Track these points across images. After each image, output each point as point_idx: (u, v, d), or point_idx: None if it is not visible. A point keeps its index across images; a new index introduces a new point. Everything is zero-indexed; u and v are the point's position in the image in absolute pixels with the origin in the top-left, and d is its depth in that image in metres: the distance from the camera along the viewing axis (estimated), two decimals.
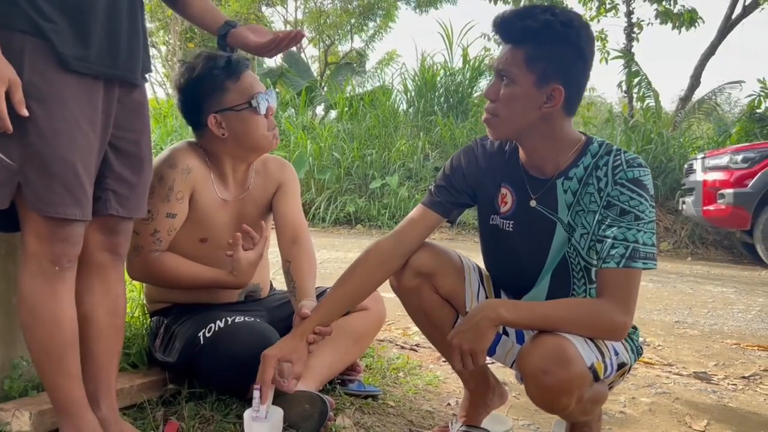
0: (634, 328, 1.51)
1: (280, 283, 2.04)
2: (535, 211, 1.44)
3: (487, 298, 1.56)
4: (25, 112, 1.16)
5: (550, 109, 1.33)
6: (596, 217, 1.36)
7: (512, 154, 1.48)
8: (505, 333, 1.55)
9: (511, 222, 1.48)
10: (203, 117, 1.73)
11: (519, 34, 1.30)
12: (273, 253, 1.89)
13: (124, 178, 1.39)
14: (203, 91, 1.71)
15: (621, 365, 1.42)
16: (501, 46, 1.37)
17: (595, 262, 1.40)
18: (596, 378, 1.29)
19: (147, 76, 1.45)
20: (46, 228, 1.23)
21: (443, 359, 2.47)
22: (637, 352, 1.51)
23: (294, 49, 16.67)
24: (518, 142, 1.44)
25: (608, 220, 1.32)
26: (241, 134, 1.74)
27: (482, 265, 1.62)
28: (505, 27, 1.33)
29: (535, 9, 1.30)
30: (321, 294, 1.79)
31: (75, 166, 1.23)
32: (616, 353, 1.39)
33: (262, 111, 1.73)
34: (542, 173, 1.43)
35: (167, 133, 10.86)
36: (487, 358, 1.62)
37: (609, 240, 1.30)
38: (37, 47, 1.19)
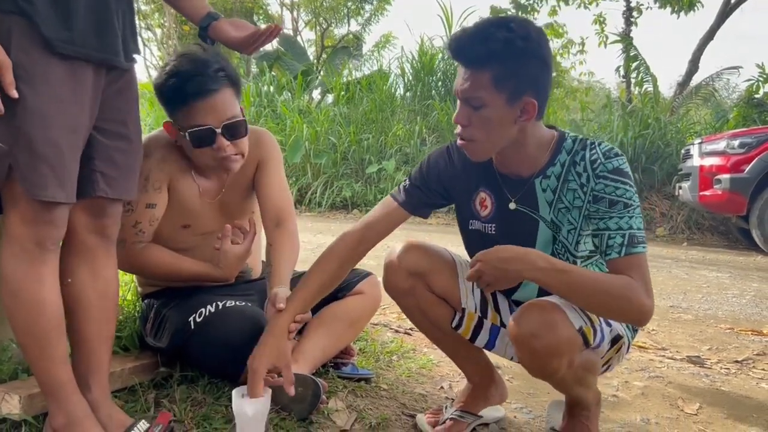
0: None
1: None
2: (517, 213, 1.44)
3: (482, 293, 1.56)
4: (15, 94, 1.14)
5: (525, 121, 1.32)
6: (582, 212, 1.37)
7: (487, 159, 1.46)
8: (503, 325, 1.55)
9: (493, 225, 1.48)
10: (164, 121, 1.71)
11: (481, 57, 1.26)
12: (263, 235, 1.88)
13: (111, 159, 1.37)
14: (161, 99, 1.64)
15: (616, 338, 1.43)
16: (460, 69, 1.32)
17: (581, 255, 1.42)
18: (586, 342, 1.32)
19: (136, 57, 1.42)
20: (30, 210, 1.22)
21: None
22: (633, 328, 1.52)
23: (290, 32, 16.58)
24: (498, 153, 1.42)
25: (600, 213, 1.33)
26: (186, 150, 1.69)
27: None
28: (463, 52, 1.29)
29: (490, 28, 1.26)
30: (299, 277, 1.76)
31: (61, 148, 1.21)
32: (608, 324, 1.41)
33: (197, 144, 1.61)
34: (519, 175, 1.43)
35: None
36: (486, 351, 1.63)
37: (606, 232, 1.31)
38: (23, 28, 1.17)
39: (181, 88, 1.57)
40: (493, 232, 1.48)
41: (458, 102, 1.34)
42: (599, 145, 1.37)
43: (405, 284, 1.53)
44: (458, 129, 1.36)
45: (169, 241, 1.74)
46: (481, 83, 1.27)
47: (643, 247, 1.29)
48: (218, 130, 1.60)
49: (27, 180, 1.19)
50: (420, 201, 1.52)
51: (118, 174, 1.38)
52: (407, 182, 1.55)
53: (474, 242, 1.54)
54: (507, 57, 1.25)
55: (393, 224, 1.53)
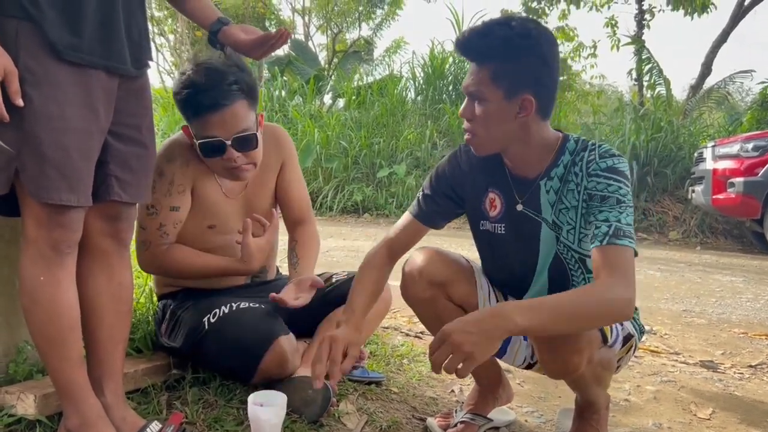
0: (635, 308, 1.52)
1: (286, 269, 2.04)
2: (522, 214, 1.46)
3: (497, 299, 1.57)
4: (20, 103, 1.16)
5: (525, 117, 1.34)
6: (579, 211, 1.38)
7: (496, 159, 1.47)
8: None
9: (503, 225, 1.49)
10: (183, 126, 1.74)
11: (481, 53, 1.32)
12: (280, 239, 1.90)
13: (126, 164, 1.38)
14: (178, 105, 1.68)
15: (627, 337, 1.46)
16: (469, 66, 1.38)
17: (588, 252, 1.40)
18: (604, 338, 1.35)
19: (149, 63, 1.44)
20: (44, 214, 1.23)
21: None
22: (640, 330, 1.54)
23: (302, 37, 16.66)
24: (501, 151, 1.44)
25: (591, 209, 1.34)
26: (200, 155, 1.70)
27: None
28: (467, 48, 1.34)
29: (493, 26, 1.31)
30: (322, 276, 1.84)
31: (69, 152, 1.22)
32: (620, 323, 1.44)
33: (207, 155, 1.66)
34: (526, 176, 1.44)
35: (175, 122, 10.87)
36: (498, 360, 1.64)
37: (594, 223, 1.32)
38: (32, 33, 1.19)
39: (194, 99, 1.59)
40: (503, 232, 1.49)
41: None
42: (599, 146, 1.38)
43: (425, 294, 1.54)
44: (465, 123, 1.40)
45: (195, 242, 1.75)
46: (481, 78, 1.32)
47: (630, 242, 1.26)
48: (228, 142, 1.62)
49: (35, 183, 1.21)
50: (433, 211, 1.54)
51: (132, 178, 1.40)
52: (420, 194, 1.57)
53: (485, 243, 1.56)
54: (505, 54, 1.29)
55: (415, 239, 1.57)
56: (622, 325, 1.44)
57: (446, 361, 1.12)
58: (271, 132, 1.85)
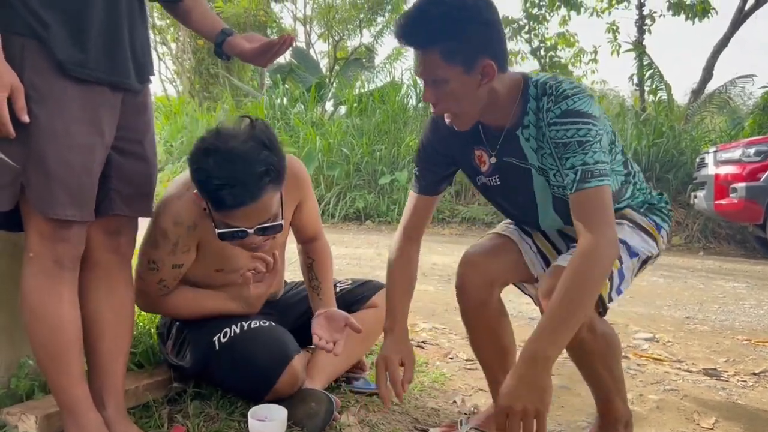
0: (660, 194, 1.62)
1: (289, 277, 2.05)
2: (509, 164, 1.48)
3: (539, 249, 1.63)
4: (26, 119, 1.17)
5: (489, 82, 1.34)
6: (554, 155, 1.39)
7: None
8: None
9: (496, 176, 1.52)
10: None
11: (426, 39, 1.29)
12: (290, 250, 1.91)
13: (128, 178, 1.40)
14: (195, 183, 1.42)
15: (645, 260, 1.55)
16: (413, 53, 1.35)
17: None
18: (601, 301, 1.38)
19: (151, 78, 1.45)
20: (48, 229, 1.24)
21: (450, 356, 2.47)
22: (660, 223, 1.60)
23: (303, 45, 16.70)
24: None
25: (560, 158, 1.35)
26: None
27: None
28: (409, 37, 1.31)
29: (427, 7, 1.29)
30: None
31: (74, 168, 1.23)
32: (634, 255, 1.49)
33: (225, 240, 1.48)
34: (502, 128, 1.45)
35: (177, 130, 10.91)
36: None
37: (564, 173, 1.34)
38: (38, 50, 1.20)
39: (215, 194, 1.36)
40: (498, 183, 1.53)
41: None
42: (556, 89, 1.35)
43: (481, 295, 1.59)
44: (432, 108, 1.40)
45: (200, 283, 1.72)
46: (433, 62, 1.30)
47: (599, 180, 1.28)
48: (250, 231, 1.45)
49: (40, 199, 1.22)
50: (432, 181, 1.59)
51: (134, 192, 1.41)
52: (415, 170, 1.62)
53: (486, 194, 1.63)
54: (449, 32, 1.27)
55: (428, 213, 1.63)
56: (636, 255, 1.50)
57: (522, 429, 1.16)
58: (289, 168, 1.57)
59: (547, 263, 1.62)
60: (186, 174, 1.53)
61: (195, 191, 1.46)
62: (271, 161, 1.38)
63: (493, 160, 1.48)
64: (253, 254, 1.64)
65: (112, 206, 1.37)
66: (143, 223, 1.55)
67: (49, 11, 1.21)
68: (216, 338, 1.62)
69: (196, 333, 1.68)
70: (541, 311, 1.43)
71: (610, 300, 1.43)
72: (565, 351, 1.36)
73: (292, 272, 1.96)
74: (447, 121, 1.42)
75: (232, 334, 1.62)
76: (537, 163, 1.44)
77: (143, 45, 1.39)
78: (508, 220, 1.72)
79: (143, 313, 1.97)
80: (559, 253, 1.62)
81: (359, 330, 1.73)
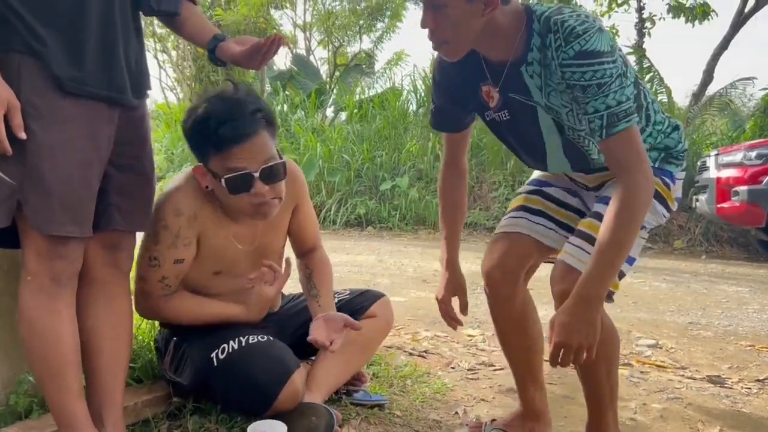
0: (677, 126, 1.60)
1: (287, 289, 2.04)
2: (515, 100, 1.47)
3: (556, 221, 1.66)
4: (23, 136, 1.16)
5: (492, 11, 1.33)
6: (568, 94, 1.38)
7: (474, 56, 1.47)
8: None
9: (505, 111, 1.52)
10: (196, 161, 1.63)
11: None
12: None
13: (126, 193, 1.39)
14: (192, 143, 1.56)
15: (653, 229, 1.63)
16: None
17: (577, 123, 1.44)
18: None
19: (147, 92, 1.45)
20: (45, 245, 1.24)
21: (451, 365, 2.46)
22: (683, 158, 1.63)
23: (303, 52, 16.72)
24: (474, 48, 1.44)
25: (579, 99, 1.34)
26: (220, 196, 1.59)
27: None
28: None
29: None
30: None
31: (72, 183, 1.23)
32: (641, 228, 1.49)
33: (234, 191, 1.52)
34: (505, 62, 1.43)
35: (178, 138, 10.91)
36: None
37: (587, 117, 1.34)
38: (35, 67, 1.20)
39: (215, 133, 1.46)
40: (508, 117, 1.52)
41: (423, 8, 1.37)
42: (562, 26, 1.31)
43: (508, 289, 1.62)
44: (428, 34, 1.39)
45: (199, 288, 1.71)
46: None
47: (626, 122, 1.30)
48: (256, 175, 1.50)
49: (38, 216, 1.21)
50: (449, 119, 1.64)
51: (133, 207, 1.41)
52: (432, 106, 1.65)
53: (496, 130, 1.62)
54: None
55: (458, 144, 1.69)
56: (643, 228, 1.51)
57: (573, 359, 1.28)
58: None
59: (566, 228, 1.64)
60: (182, 171, 1.63)
61: (196, 166, 1.58)
62: (260, 104, 1.54)
63: (510, 94, 1.46)
64: (261, 261, 1.68)
65: (111, 221, 1.37)
66: (140, 237, 1.54)
67: (46, 28, 1.20)
68: (214, 355, 1.60)
69: (194, 349, 1.66)
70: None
71: (622, 275, 1.45)
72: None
73: (292, 287, 1.95)
74: (433, 47, 1.41)
75: (230, 351, 1.60)
76: (543, 101, 1.42)
77: (139, 60, 1.39)
78: (512, 213, 1.70)
79: (142, 327, 1.96)
80: (579, 214, 1.65)
81: (359, 327, 1.74)
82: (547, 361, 1.37)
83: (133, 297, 1.59)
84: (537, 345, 1.70)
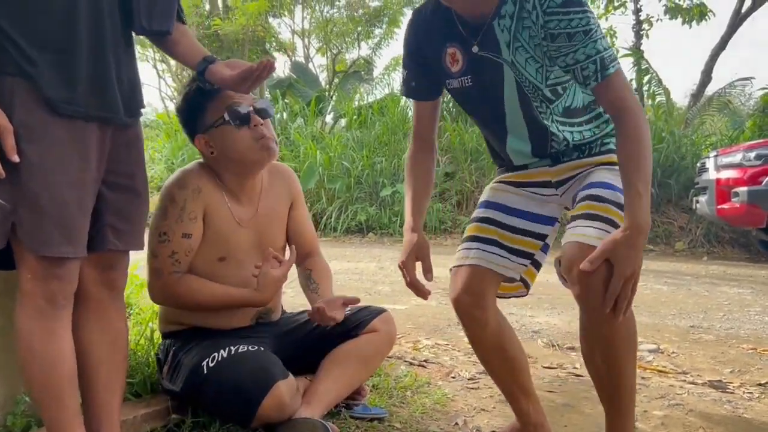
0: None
1: (288, 306, 2.04)
2: (481, 58, 1.46)
3: (508, 248, 1.61)
4: (16, 159, 1.17)
5: None
6: (543, 50, 1.39)
7: (447, 12, 1.48)
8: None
9: (468, 77, 1.52)
10: (195, 139, 1.79)
11: None
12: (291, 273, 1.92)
13: (120, 212, 1.39)
14: (189, 115, 1.75)
15: None
16: None
17: (549, 86, 1.46)
18: None
19: (141, 111, 1.45)
20: (40, 266, 1.24)
21: (452, 375, 2.45)
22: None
23: (302, 59, 16.77)
24: (448, 4, 1.44)
25: (563, 50, 1.36)
26: (226, 150, 1.74)
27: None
28: None
29: None
30: None
31: (67, 204, 1.23)
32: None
33: (237, 121, 1.71)
34: (477, 18, 1.44)
35: (178, 148, 10.93)
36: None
37: (577, 65, 1.35)
38: (26, 89, 1.20)
39: (209, 89, 1.64)
40: (470, 83, 1.52)
41: None
42: None
43: (476, 311, 1.59)
44: None
45: (206, 276, 1.76)
46: None
47: (615, 65, 1.35)
48: (250, 109, 1.71)
49: (33, 237, 1.21)
50: (420, 87, 1.62)
51: (127, 227, 1.40)
52: (403, 72, 1.65)
53: (460, 100, 1.65)
54: None
55: (428, 119, 1.67)
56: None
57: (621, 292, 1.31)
58: (281, 169, 1.97)
59: (522, 255, 1.62)
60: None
61: (196, 139, 1.76)
62: None
63: (476, 49, 1.46)
64: (267, 250, 1.76)
65: (105, 242, 1.36)
66: (135, 256, 1.54)
67: (37, 50, 1.21)
68: (205, 363, 1.64)
69: (188, 358, 1.70)
70: (565, 283, 1.44)
71: None
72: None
73: (292, 297, 1.95)
74: None
75: (220, 359, 1.63)
76: (509, 57, 1.43)
77: (131, 79, 1.39)
78: (466, 243, 1.68)
79: (140, 342, 1.96)
80: (536, 237, 1.63)
81: (357, 300, 1.83)
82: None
83: (147, 280, 1.75)
84: (520, 362, 1.66)
